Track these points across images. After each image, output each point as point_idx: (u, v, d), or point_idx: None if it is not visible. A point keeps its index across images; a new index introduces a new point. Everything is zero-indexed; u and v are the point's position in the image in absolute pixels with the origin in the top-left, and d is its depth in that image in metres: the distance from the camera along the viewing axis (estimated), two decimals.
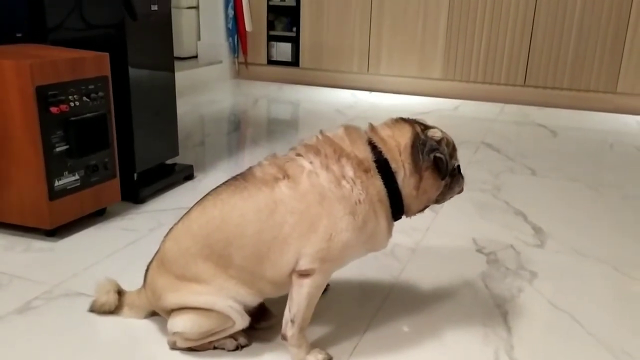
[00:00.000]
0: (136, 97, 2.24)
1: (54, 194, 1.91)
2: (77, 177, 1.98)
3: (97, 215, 2.15)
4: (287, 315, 1.35)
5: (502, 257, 1.94)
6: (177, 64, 5.00)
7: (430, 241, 2.04)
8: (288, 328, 1.35)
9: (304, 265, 1.31)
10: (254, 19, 4.97)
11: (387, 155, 1.33)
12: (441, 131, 1.40)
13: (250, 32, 4.98)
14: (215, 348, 1.40)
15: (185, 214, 1.44)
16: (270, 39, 5.06)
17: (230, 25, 4.99)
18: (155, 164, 2.44)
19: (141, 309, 1.52)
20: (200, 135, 3.54)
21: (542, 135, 3.62)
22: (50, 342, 1.45)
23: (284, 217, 1.30)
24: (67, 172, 1.94)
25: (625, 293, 1.76)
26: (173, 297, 1.38)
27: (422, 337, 1.50)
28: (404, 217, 1.42)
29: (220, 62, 5.03)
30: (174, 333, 1.38)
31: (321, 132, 1.41)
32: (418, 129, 1.36)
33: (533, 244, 2.05)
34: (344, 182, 1.30)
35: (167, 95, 2.46)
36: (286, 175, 1.33)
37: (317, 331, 1.49)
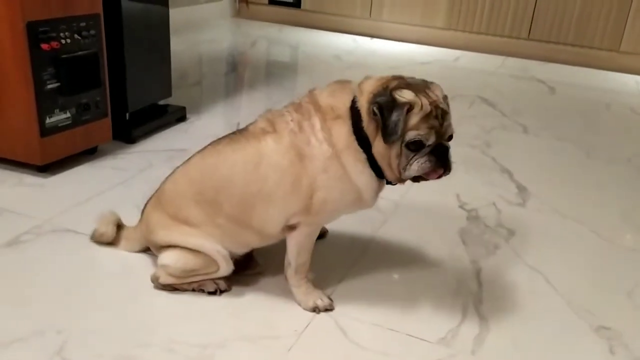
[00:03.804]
0: (129, 36, 2.22)
1: (45, 131, 1.93)
2: (68, 115, 1.99)
3: (89, 154, 2.18)
4: (286, 257, 1.44)
5: (483, 214, 1.98)
6: (175, 0, 4.88)
7: (415, 195, 2.07)
8: (287, 269, 1.44)
9: (291, 220, 1.38)
10: None
11: (360, 107, 1.31)
12: (425, 97, 1.26)
13: None
14: (194, 290, 1.46)
15: (189, 158, 1.50)
16: None
17: None
18: (147, 104, 2.44)
19: (136, 243, 1.60)
20: (196, 75, 3.52)
21: (540, 92, 3.60)
22: (37, 275, 1.50)
23: (267, 171, 1.35)
24: (58, 110, 1.95)
25: (599, 255, 1.81)
26: (164, 234, 1.45)
27: (395, 288, 1.56)
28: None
29: None
30: (161, 266, 1.45)
31: (310, 90, 1.42)
32: (392, 84, 1.29)
33: (515, 202, 2.09)
34: (313, 140, 1.32)
35: (161, 34, 2.44)
36: (274, 130, 1.38)
37: None
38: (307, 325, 1.39)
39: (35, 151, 1.94)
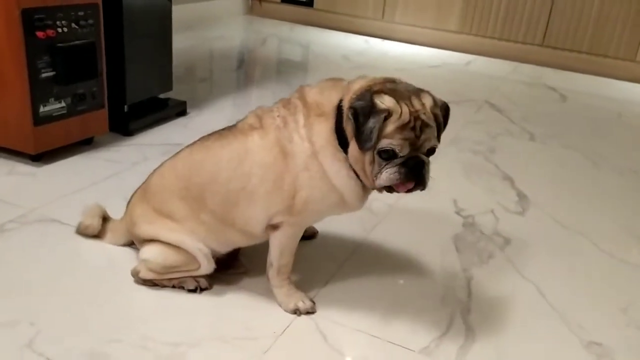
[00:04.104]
0: (129, 28, 2.20)
1: (38, 120, 1.91)
2: (63, 104, 1.98)
3: (84, 144, 2.16)
4: (268, 258, 1.41)
5: (480, 221, 1.93)
6: None
7: (410, 199, 2.02)
8: (269, 270, 1.41)
9: (273, 220, 1.35)
10: None
11: (344, 106, 1.27)
12: (407, 105, 1.20)
13: None
14: (174, 287, 1.43)
15: (177, 152, 1.48)
16: None
17: None
18: (146, 97, 2.42)
19: (121, 236, 1.57)
20: (202, 71, 3.50)
21: (551, 99, 3.53)
22: (18, 265, 1.48)
23: (251, 168, 1.32)
24: (52, 99, 1.93)
25: (597, 268, 1.75)
26: (147, 228, 1.43)
27: (380, 293, 1.51)
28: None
29: None
30: (141, 260, 1.42)
31: (300, 86, 1.39)
32: (376, 87, 1.24)
33: (514, 210, 2.04)
34: (296, 137, 1.29)
35: (163, 27, 2.41)
36: (261, 125, 1.35)
37: None
38: (286, 328, 1.35)
39: (28, 140, 1.92)
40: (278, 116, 1.33)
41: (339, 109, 1.28)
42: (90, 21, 1.97)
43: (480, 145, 2.60)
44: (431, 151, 1.26)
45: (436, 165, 2.29)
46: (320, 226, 1.74)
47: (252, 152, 1.32)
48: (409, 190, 1.26)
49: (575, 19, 4.16)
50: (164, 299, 1.41)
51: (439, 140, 1.28)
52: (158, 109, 2.48)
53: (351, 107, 1.22)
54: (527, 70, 4.17)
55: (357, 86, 1.29)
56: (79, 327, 1.29)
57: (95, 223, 1.58)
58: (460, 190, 2.14)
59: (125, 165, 2.06)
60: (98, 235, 1.60)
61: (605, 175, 2.44)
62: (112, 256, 1.55)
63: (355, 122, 1.21)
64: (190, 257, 1.39)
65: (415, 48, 4.49)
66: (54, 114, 1.95)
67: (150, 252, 1.41)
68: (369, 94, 1.23)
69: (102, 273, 1.50)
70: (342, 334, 1.35)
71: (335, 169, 1.28)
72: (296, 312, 1.39)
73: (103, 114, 2.15)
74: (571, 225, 1.97)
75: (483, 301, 1.52)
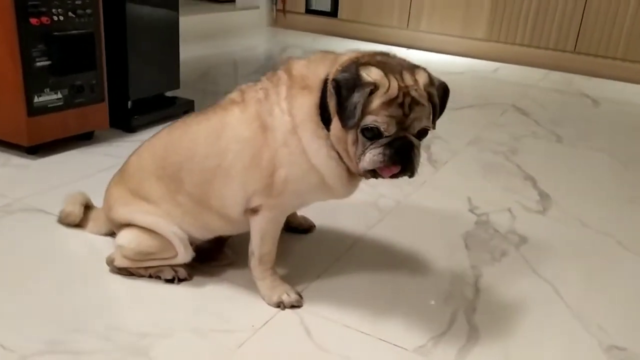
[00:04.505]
0: (132, 23, 2.15)
1: (33, 110, 1.86)
2: (59, 95, 1.92)
3: (84, 139, 2.10)
4: (250, 246, 1.30)
5: (495, 219, 1.78)
6: (213, 6, 4.90)
7: (421, 196, 1.88)
8: (250, 259, 1.30)
9: (252, 202, 1.24)
10: None
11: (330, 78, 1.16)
12: (397, 80, 1.08)
13: None
14: (150, 276, 1.33)
15: (157, 132, 1.40)
16: None
17: None
18: (151, 94, 2.36)
19: (103, 224, 1.49)
20: (218, 75, 3.44)
21: (583, 105, 3.34)
22: None
23: (228, 143, 1.23)
24: (48, 89, 1.88)
25: (622, 269, 1.57)
26: (123, 210, 1.35)
27: (377, 289, 1.38)
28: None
29: (258, 7, 4.89)
30: (117, 247, 1.33)
31: (289, 58, 1.30)
32: (364, 59, 1.13)
33: (534, 209, 1.88)
34: (276, 110, 1.19)
35: (169, 24, 2.35)
36: (243, 100, 1.27)
37: None
38: (266, 322, 1.23)
39: (22, 131, 1.87)
40: (260, 89, 1.23)
41: (326, 83, 1.17)
42: (89, 11, 1.92)
43: (502, 146, 2.44)
44: (422, 133, 1.13)
45: (452, 164, 2.18)
46: (318, 221, 1.62)
47: (231, 127, 1.23)
48: (394, 176, 1.12)
49: (609, 24, 3.97)
50: (139, 289, 1.31)
51: (434, 125, 1.16)
52: (164, 107, 2.41)
53: (334, 80, 1.11)
54: (558, 77, 3.99)
55: (345, 58, 1.18)
56: (43, 316, 1.20)
57: (76, 211, 1.50)
58: (475, 188, 1.99)
59: (122, 160, 1.97)
60: (80, 225, 1.52)
61: (635, 178, 2.25)
62: (91, 245, 1.47)
63: (338, 96, 1.09)
64: (166, 242, 1.29)
65: (440, 56, 4.36)
66: (49, 105, 1.90)
67: (125, 238, 1.31)
68: (355, 65, 1.12)
69: (78, 262, 1.41)
70: (328, 329, 1.22)
71: (314, 146, 1.16)
72: (280, 305, 1.27)
73: (103, 107, 2.09)
74: (596, 225, 1.79)
75: (491, 300, 1.37)
